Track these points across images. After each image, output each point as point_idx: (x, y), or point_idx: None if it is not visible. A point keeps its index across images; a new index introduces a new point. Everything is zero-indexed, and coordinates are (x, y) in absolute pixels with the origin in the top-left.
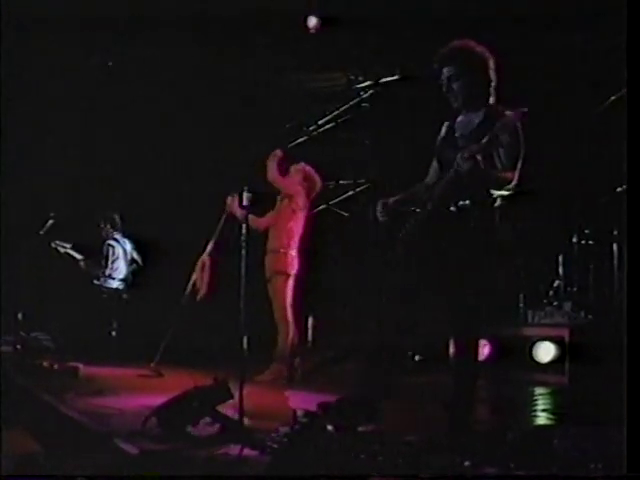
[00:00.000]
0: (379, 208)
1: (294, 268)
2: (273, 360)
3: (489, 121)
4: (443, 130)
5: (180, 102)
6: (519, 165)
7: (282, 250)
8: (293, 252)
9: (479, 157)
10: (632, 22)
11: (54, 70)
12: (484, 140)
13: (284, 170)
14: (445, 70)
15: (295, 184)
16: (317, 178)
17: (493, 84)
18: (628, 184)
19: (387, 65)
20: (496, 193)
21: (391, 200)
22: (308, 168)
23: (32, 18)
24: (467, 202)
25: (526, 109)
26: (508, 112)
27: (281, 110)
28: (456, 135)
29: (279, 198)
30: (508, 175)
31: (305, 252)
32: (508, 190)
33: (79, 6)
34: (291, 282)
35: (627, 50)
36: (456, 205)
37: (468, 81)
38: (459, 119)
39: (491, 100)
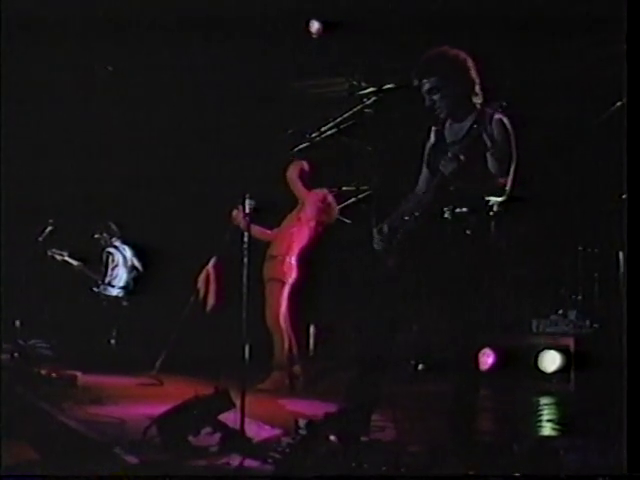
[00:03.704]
0: (376, 235)
1: (291, 276)
2: (272, 369)
3: (479, 125)
4: (432, 136)
5: (180, 108)
6: (512, 170)
7: (280, 257)
8: (292, 259)
9: (462, 157)
10: (632, 29)
11: (53, 75)
12: (465, 138)
13: (305, 180)
14: (425, 83)
15: (311, 195)
16: (335, 208)
17: (477, 85)
18: (628, 191)
19: (390, 71)
20: (492, 200)
21: (385, 225)
22: (330, 196)
23: (32, 19)
24: (464, 209)
25: (501, 104)
26: (487, 110)
27: (282, 116)
28: (447, 142)
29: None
30: (501, 181)
31: (305, 260)
32: (503, 196)
33: (80, 7)
34: (287, 290)
35: (627, 56)
36: (452, 212)
37: (451, 89)
38: (448, 124)
39: (478, 101)
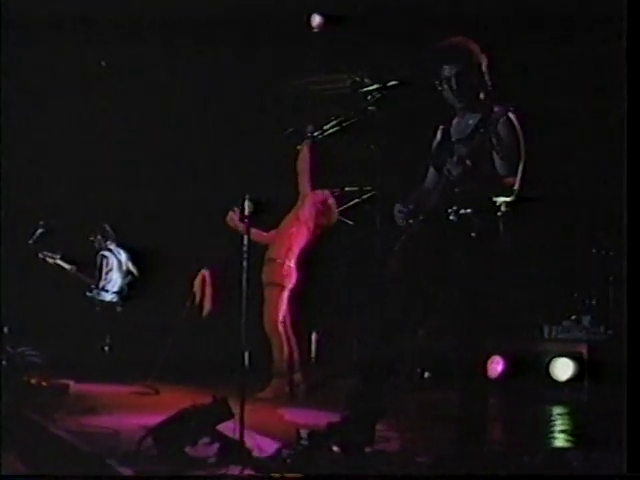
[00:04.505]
0: (399, 210)
1: (291, 280)
2: (272, 376)
3: (483, 124)
4: (438, 134)
5: (178, 107)
6: (520, 169)
7: (279, 260)
8: (291, 263)
9: (468, 162)
10: (632, 27)
11: (47, 76)
12: (472, 142)
13: (314, 175)
14: (446, 68)
15: (313, 194)
16: (335, 211)
17: (489, 84)
18: (628, 192)
19: (395, 67)
20: (500, 200)
21: (408, 204)
22: (331, 198)
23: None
24: (470, 210)
25: (512, 105)
26: (495, 109)
27: (282, 114)
28: (452, 140)
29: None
30: (509, 180)
31: (305, 264)
32: (510, 196)
33: (79, 6)
34: (285, 294)
35: (627, 53)
36: (458, 213)
37: (470, 80)
38: (455, 122)
39: (486, 100)
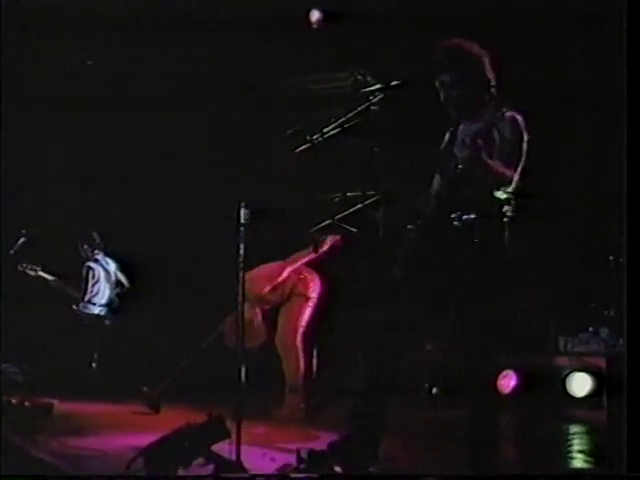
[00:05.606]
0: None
1: (315, 291)
2: (287, 393)
3: (491, 123)
4: (446, 138)
5: (172, 108)
6: (521, 162)
7: (302, 275)
8: (314, 274)
9: (479, 141)
10: (632, 25)
11: (35, 80)
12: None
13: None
14: (441, 77)
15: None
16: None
17: (493, 84)
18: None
19: (398, 65)
20: (501, 197)
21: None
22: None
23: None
24: (472, 215)
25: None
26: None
27: (281, 115)
28: (457, 143)
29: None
30: (507, 172)
31: (325, 275)
32: (508, 192)
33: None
34: (310, 307)
35: (627, 52)
36: (463, 219)
37: (468, 87)
38: (461, 128)
39: (492, 101)
